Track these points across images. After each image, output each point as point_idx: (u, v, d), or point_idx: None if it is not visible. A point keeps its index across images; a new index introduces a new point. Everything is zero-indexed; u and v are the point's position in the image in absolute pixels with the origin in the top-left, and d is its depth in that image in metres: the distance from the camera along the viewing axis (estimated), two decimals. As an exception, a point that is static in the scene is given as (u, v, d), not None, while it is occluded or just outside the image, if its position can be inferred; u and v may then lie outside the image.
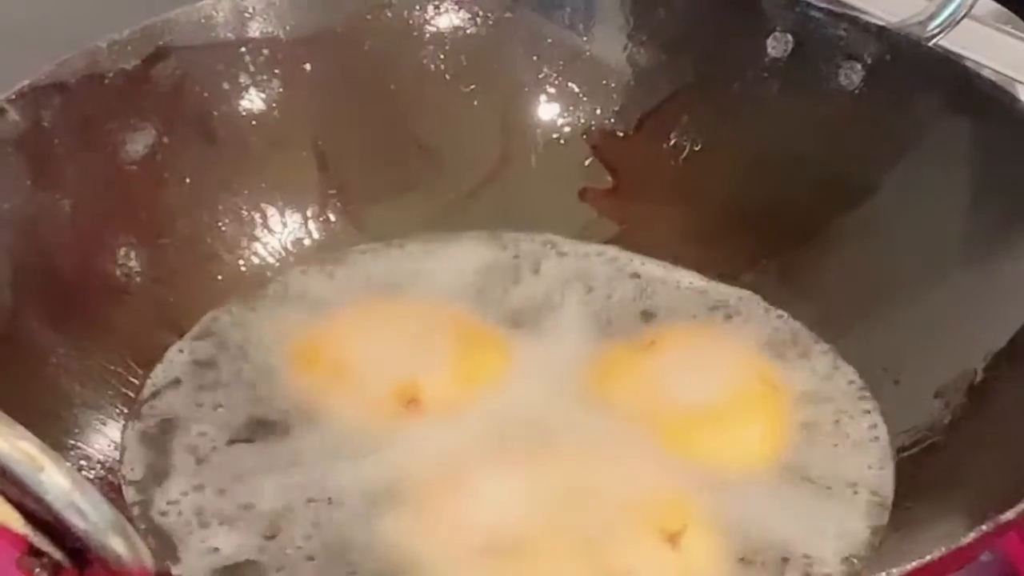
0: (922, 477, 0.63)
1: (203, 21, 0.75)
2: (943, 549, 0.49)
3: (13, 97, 0.67)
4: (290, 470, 0.64)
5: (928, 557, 0.48)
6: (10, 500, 0.45)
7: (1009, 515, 0.51)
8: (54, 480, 0.40)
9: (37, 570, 0.45)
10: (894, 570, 0.48)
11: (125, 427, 0.66)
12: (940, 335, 0.68)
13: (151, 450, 0.66)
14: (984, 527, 0.50)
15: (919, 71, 0.73)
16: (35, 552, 0.45)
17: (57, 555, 0.45)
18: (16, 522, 0.45)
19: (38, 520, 0.45)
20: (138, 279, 0.72)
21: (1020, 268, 0.66)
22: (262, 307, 0.74)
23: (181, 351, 0.71)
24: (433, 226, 0.79)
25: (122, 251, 0.71)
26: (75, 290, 0.68)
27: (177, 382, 0.70)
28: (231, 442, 0.66)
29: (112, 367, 0.68)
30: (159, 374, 0.70)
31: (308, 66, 0.78)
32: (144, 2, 0.74)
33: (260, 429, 0.67)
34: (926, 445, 0.64)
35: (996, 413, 0.62)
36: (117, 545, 0.41)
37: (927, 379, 0.66)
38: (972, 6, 0.74)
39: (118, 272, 0.71)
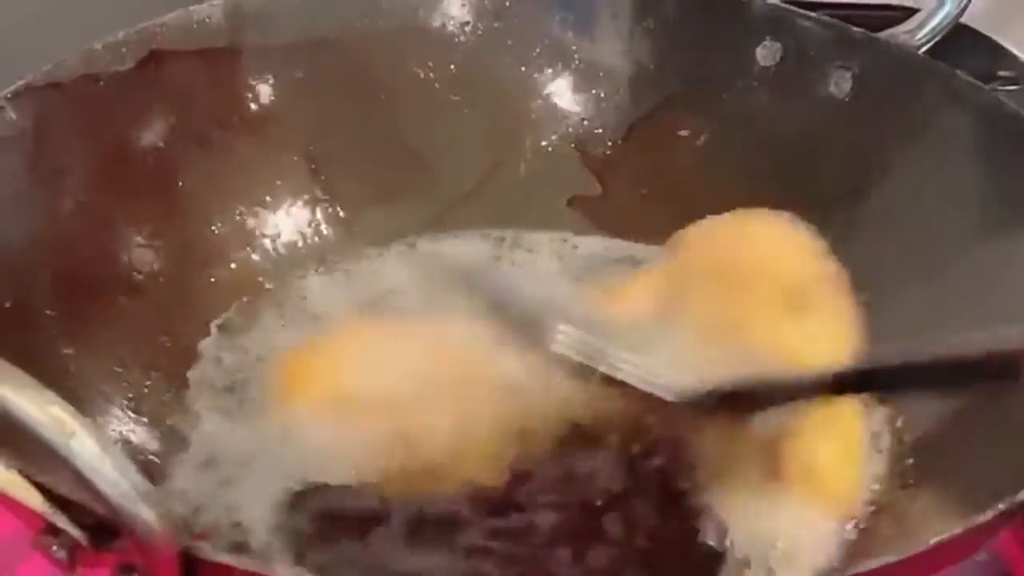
0: (927, 467, 0.63)
1: (196, 26, 0.75)
2: (936, 539, 0.48)
3: (10, 96, 0.67)
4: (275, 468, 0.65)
5: (922, 546, 0.48)
6: (29, 478, 0.44)
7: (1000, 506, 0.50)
8: (84, 446, 0.39)
9: (54, 548, 0.45)
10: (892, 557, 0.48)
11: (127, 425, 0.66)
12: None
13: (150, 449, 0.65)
14: (979, 518, 0.50)
15: (908, 79, 0.74)
16: (52, 531, 0.45)
17: (75, 533, 0.45)
18: (34, 500, 0.45)
19: (57, 498, 0.44)
20: (131, 277, 0.71)
21: (1017, 271, 0.66)
22: (254, 315, 0.74)
23: (174, 355, 0.71)
24: (423, 231, 0.79)
25: (116, 253, 0.71)
26: (69, 289, 0.68)
27: (171, 385, 0.69)
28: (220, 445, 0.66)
29: (114, 368, 0.68)
30: (156, 376, 0.69)
31: (300, 72, 0.78)
32: (144, 5, 0.74)
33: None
34: (931, 436, 0.64)
35: (1000, 407, 0.62)
36: (146, 513, 0.40)
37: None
38: (961, 15, 0.74)
39: (112, 272, 0.71)
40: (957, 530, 0.49)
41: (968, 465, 0.61)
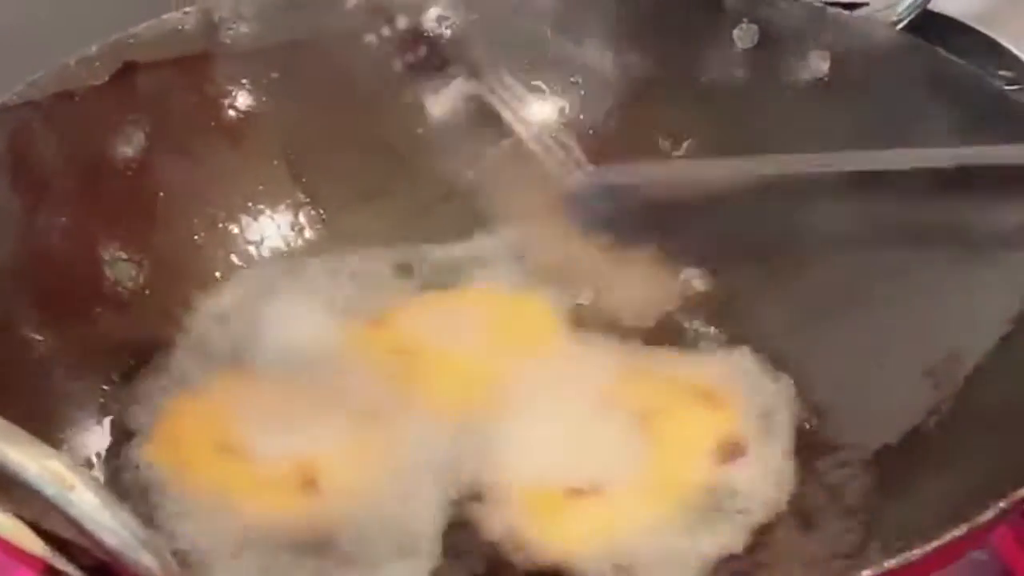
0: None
1: (169, 35, 0.75)
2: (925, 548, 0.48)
3: (-13, 115, 0.67)
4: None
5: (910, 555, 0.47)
6: (27, 522, 0.44)
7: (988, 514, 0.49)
8: (84, 499, 0.39)
9: (57, 590, 0.45)
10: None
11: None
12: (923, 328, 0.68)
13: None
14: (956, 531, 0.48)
15: (887, 56, 0.74)
16: (53, 573, 0.45)
17: (76, 575, 0.45)
18: (34, 543, 0.44)
19: (57, 540, 0.44)
20: (115, 292, 0.71)
21: (1007, 254, 0.66)
22: (240, 326, 0.74)
23: (160, 371, 0.71)
24: (409, 229, 0.79)
25: (100, 268, 0.71)
26: (54, 306, 0.67)
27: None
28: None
29: (102, 386, 0.68)
30: (137, 388, 0.69)
31: (276, 75, 0.78)
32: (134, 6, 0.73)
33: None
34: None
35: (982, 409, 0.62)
36: (148, 561, 0.40)
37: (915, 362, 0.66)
38: (935, -7, 0.74)
39: (96, 288, 0.71)
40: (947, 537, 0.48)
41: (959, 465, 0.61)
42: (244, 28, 0.77)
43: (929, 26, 0.74)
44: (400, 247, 0.78)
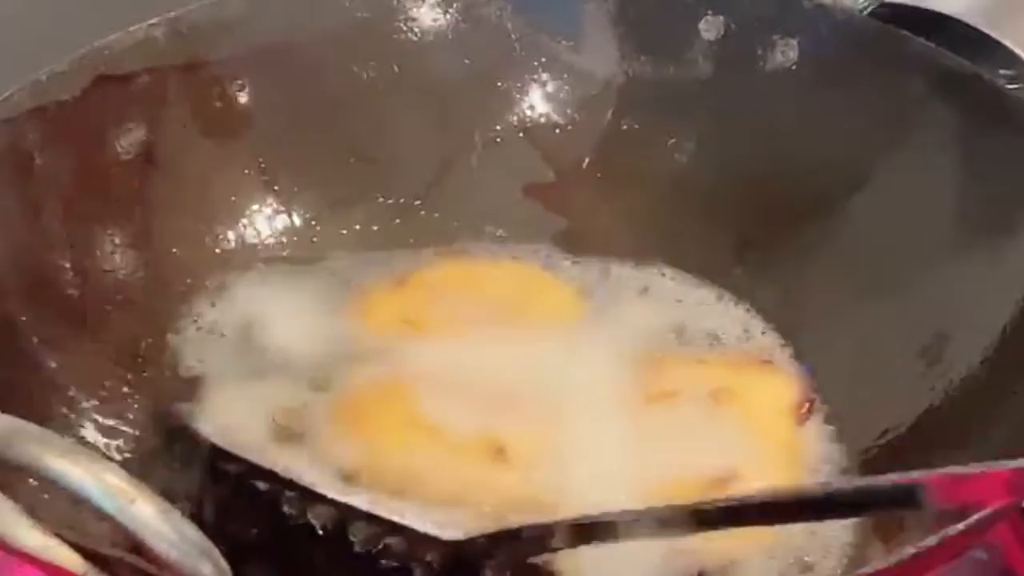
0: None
1: (139, 46, 0.74)
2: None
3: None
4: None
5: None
6: (68, 542, 0.44)
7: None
8: (144, 511, 0.39)
9: (95, 608, 0.44)
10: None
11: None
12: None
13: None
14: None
15: (854, 43, 0.75)
16: (92, 591, 0.45)
17: (117, 593, 0.44)
18: (74, 562, 0.44)
19: (97, 557, 0.44)
20: (101, 310, 0.70)
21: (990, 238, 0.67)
22: (223, 338, 0.73)
23: (151, 383, 0.70)
24: (384, 234, 0.79)
25: (84, 283, 0.70)
26: (43, 321, 0.67)
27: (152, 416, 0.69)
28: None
29: (100, 392, 0.68)
30: (137, 407, 0.69)
31: (245, 83, 0.77)
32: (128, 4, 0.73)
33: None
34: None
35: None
36: (208, 571, 0.40)
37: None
38: (901, -21, 0.75)
39: (80, 304, 0.70)
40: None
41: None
42: (210, 38, 0.76)
43: (927, 25, 0.75)
44: (375, 253, 0.78)
